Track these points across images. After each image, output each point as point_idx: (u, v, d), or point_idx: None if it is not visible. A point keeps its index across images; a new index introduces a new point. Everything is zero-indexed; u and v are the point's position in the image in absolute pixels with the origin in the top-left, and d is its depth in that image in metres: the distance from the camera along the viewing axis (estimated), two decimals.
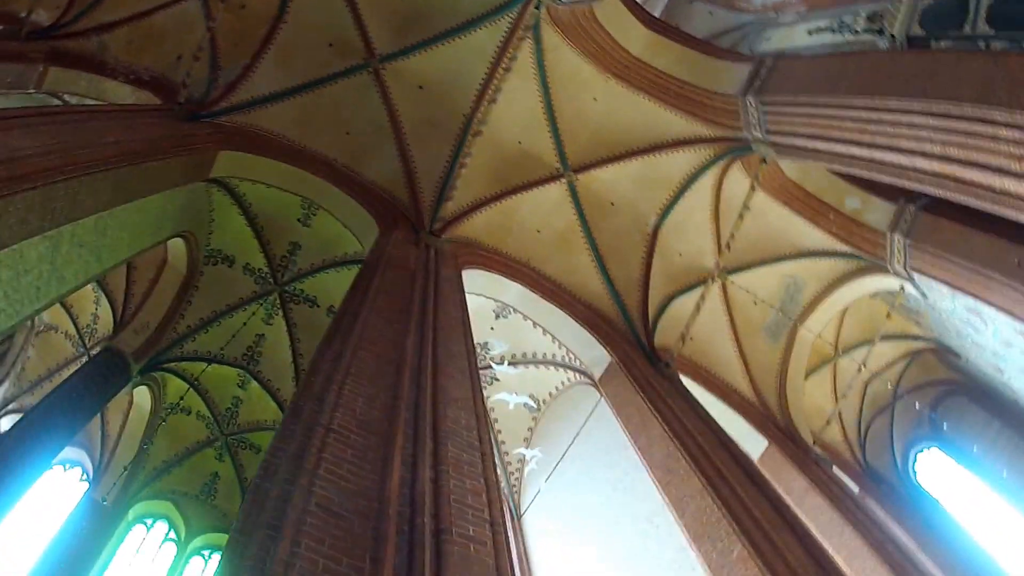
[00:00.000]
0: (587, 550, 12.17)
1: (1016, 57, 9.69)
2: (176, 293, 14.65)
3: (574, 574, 12.22)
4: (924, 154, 9.94)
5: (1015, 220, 9.76)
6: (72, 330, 15.89)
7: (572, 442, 13.24)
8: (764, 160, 13.20)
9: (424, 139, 13.49)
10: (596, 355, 13.32)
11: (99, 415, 16.20)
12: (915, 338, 18.35)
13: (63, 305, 15.71)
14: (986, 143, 9.18)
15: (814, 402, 17.43)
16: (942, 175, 9.94)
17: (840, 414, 18.50)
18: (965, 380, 19.37)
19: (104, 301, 15.22)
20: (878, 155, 10.65)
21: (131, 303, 14.95)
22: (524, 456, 14.07)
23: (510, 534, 13.73)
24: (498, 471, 14.32)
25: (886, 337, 17.83)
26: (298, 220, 14.05)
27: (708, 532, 9.77)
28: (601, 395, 12.93)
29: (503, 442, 14.50)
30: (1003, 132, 8.93)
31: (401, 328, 8.64)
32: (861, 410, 19.37)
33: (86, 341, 15.71)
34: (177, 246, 14.39)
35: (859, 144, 10.85)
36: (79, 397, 13.35)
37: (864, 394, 19.30)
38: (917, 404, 19.08)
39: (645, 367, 13.05)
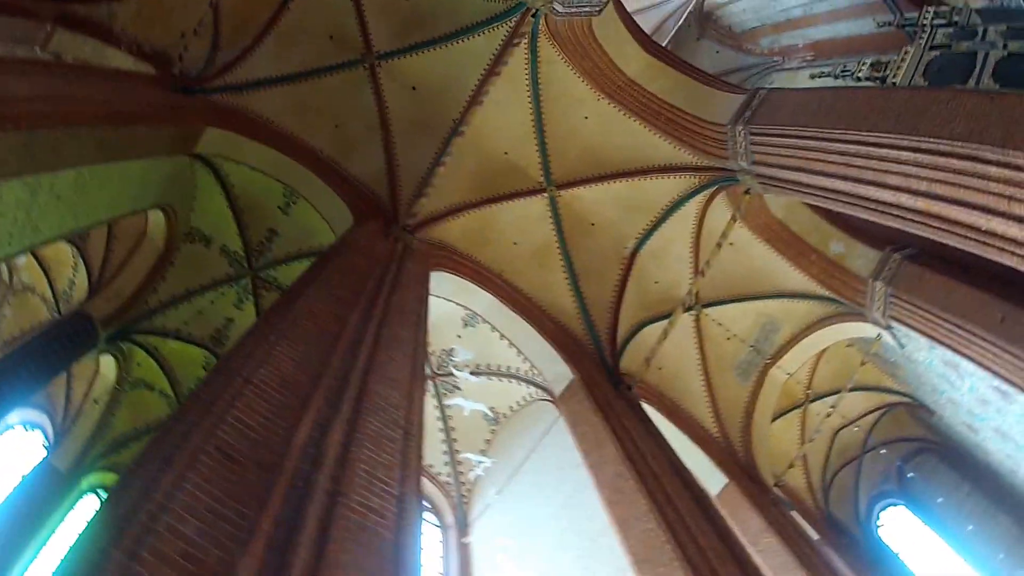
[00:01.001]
0: (531, 567, 11.23)
1: (1012, 97, 8.91)
2: (151, 266, 13.82)
3: None
4: (910, 191, 9.22)
5: (999, 263, 8.97)
6: (49, 294, 15.10)
7: (527, 458, 12.36)
8: (748, 192, 12.39)
9: (411, 139, 12.68)
10: (559, 372, 12.43)
11: (66, 382, 15.41)
12: (889, 391, 17.40)
13: (42, 267, 14.98)
14: (974, 182, 8.43)
15: (780, 445, 16.43)
16: (927, 213, 9.21)
17: (806, 460, 17.50)
18: (938, 439, 18.36)
19: (82, 268, 14.42)
20: (862, 190, 9.90)
21: (107, 271, 14.14)
22: (471, 460, 13.14)
23: (452, 540, 12.97)
24: (446, 479, 13.56)
25: (860, 388, 16.91)
26: (278, 207, 13.21)
27: (651, 556, 8.89)
28: (560, 412, 12.03)
29: (458, 451, 13.59)
30: (993, 171, 8.19)
31: (348, 305, 8.03)
32: (828, 458, 18.35)
33: (60, 306, 14.89)
34: (157, 219, 13.59)
35: (844, 179, 10.10)
36: (43, 356, 12.57)
37: (833, 443, 18.30)
38: (886, 459, 18.04)
39: (607, 388, 12.19)
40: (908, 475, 18.37)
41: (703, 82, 12.62)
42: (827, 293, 14.15)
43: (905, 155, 9.06)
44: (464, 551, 12.49)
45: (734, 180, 12.31)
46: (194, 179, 13.22)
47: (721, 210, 13.41)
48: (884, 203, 9.65)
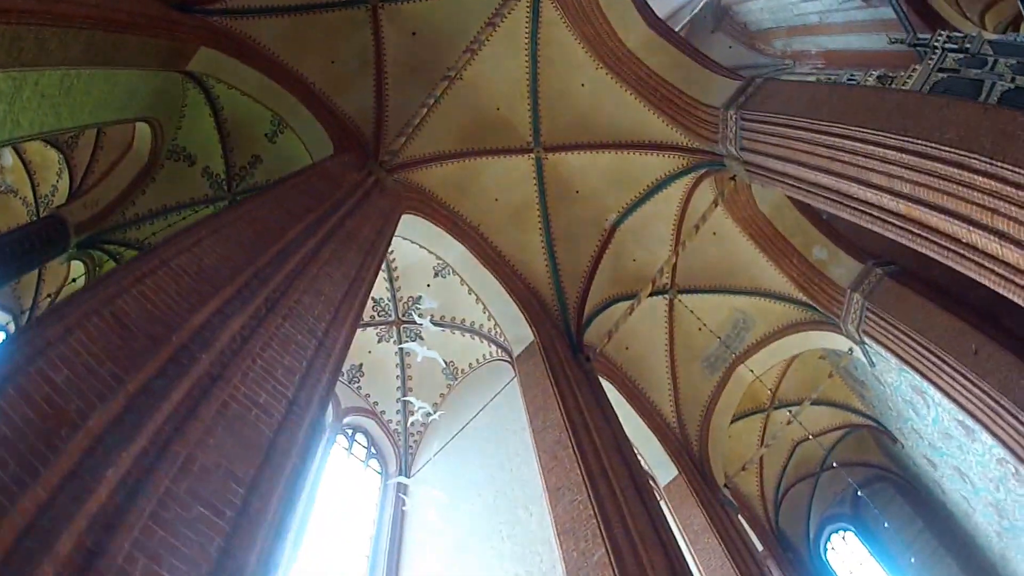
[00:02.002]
0: (458, 524, 10.87)
1: (1006, 112, 8.48)
2: (132, 179, 13.43)
3: (440, 547, 10.89)
4: (893, 192, 8.83)
5: (979, 292, 8.58)
6: (31, 198, 14.78)
7: (475, 417, 11.97)
8: (733, 178, 11.97)
9: (404, 83, 12.20)
10: (521, 333, 12.03)
11: (35, 286, 15.13)
12: (855, 411, 16.99)
13: (28, 172, 14.68)
14: (960, 190, 7.96)
15: (737, 448, 16.02)
16: (908, 218, 8.84)
17: (762, 469, 17.11)
18: (897, 469, 17.96)
19: (66, 175, 14.09)
20: (844, 186, 9.51)
21: (89, 179, 13.81)
22: (414, 405, 12.74)
23: (391, 488, 12.60)
24: (395, 427, 13.15)
25: (825, 403, 16.52)
26: (265, 135, 12.82)
27: (575, 529, 8.52)
28: (515, 374, 11.64)
29: (409, 399, 13.16)
30: (979, 181, 7.80)
31: (294, 218, 7.68)
32: (785, 470, 17.94)
33: (40, 210, 14.57)
34: (143, 133, 13.23)
35: (828, 173, 9.70)
36: (12, 254, 12.30)
37: (792, 455, 17.86)
38: (844, 481, 17.57)
39: (565, 355, 11.79)
40: (863, 502, 17.93)
41: (702, 64, 12.20)
42: (804, 298, 13.74)
43: (892, 154, 8.68)
44: (399, 501, 12.12)
45: (721, 165, 11.91)
46: (184, 97, 12.89)
47: (706, 196, 13.02)
48: (866, 203, 9.27)
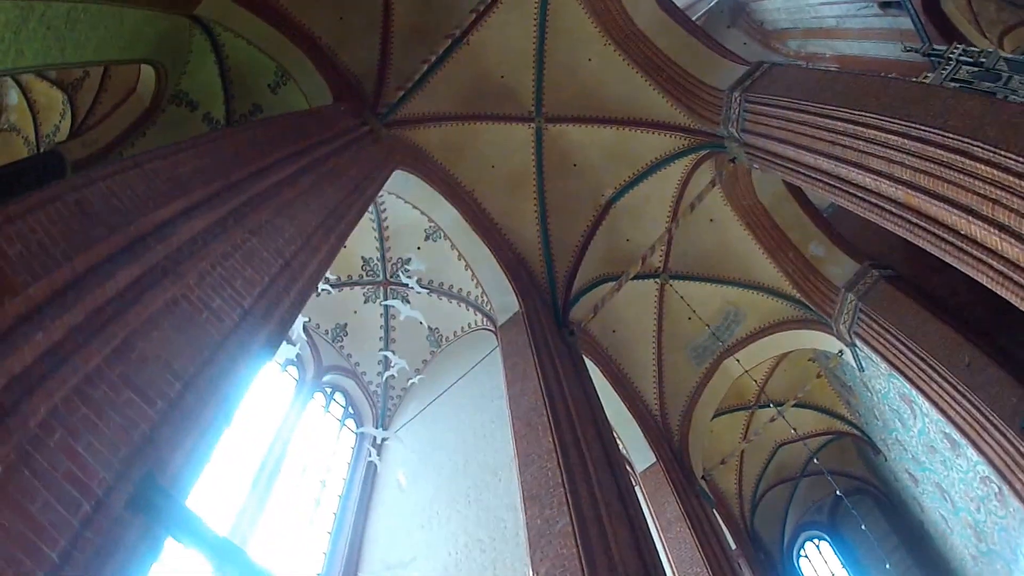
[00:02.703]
0: (428, 488, 10.62)
1: (1014, 105, 8.24)
2: (134, 121, 13.19)
3: (407, 507, 10.64)
4: (892, 178, 8.51)
5: (971, 276, 8.22)
6: (32, 136, 14.60)
7: (454, 383, 11.70)
8: (733, 160, 11.71)
9: (409, 43, 11.87)
10: (507, 302, 11.75)
11: None
12: (840, 418, 16.67)
13: (32, 111, 14.49)
14: (961, 178, 7.60)
15: (718, 443, 15.70)
16: (906, 206, 8.52)
17: (741, 467, 16.79)
18: (878, 482, 17.64)
19: (69, 115, 13.93)
20: (843, 171, 9.24)
21: (91, 120, 13.60)
22: (391, 360, 12.44)
23: (364, 448, 12.32)
24: (375, 389, 12.85)
25: (810, 406, 16.22)
26: (268, 85, 12.50)
27: (542, 496, 8.23)
28: (498, 343, 11.38)
29: (389, 355, 12.93)
30: (982, 169, 7.45)
31: (276, 147, 7.37)
32: (765, 471, 17.61)
33: (41, 148, 14.41)
34: (148, 76, 12.96)
35: (828, 156, 9.43)
36: (10, 184, 12.15)
37: (773, 456, 17.55)
38: (823, 489, 17.25)
39: (549, 326, 11.51)
40: (841, 512, 17.63)
41: (709, 47, 11.97)
42: (797, 295, 13.47)
43: (893, 139, 8.38)
44: (371, 461, 11.87)
45: (721, 147, 11.68)
46: (189, 43, 12.63)
47: (705, 179, 12.69)
48: (864, 189, 8.99)
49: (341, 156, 8.52)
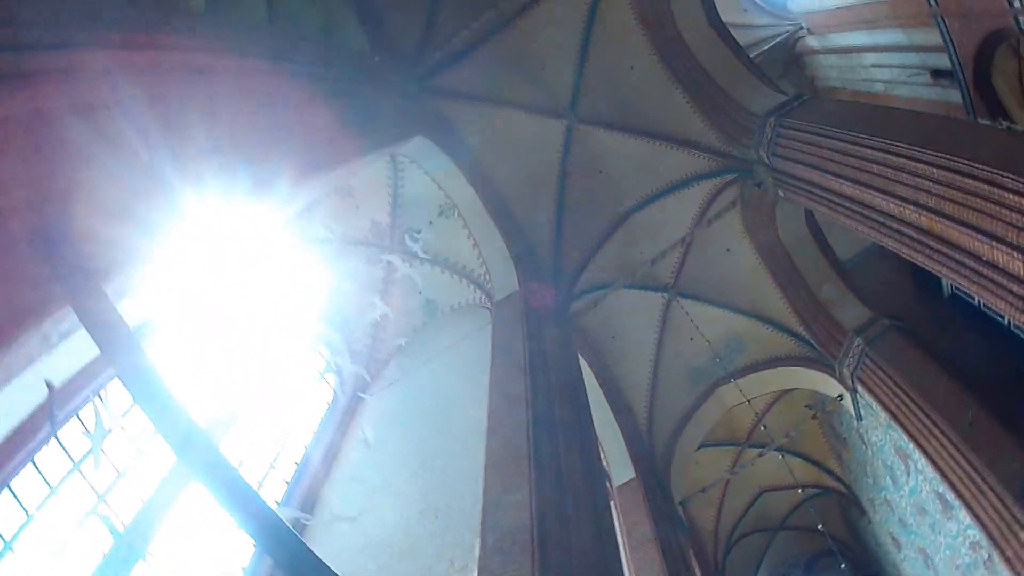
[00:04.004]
0: (395, 452, 10.00)
1: None
2: None
3: (370, 468, 10.03)
4: (917, 204, 8.03)
5: (989, 304, 7.66)
6: None
7: (442, 351, 11.10)
8: (759, 186, 11.19)
9: (456, 15, 10.95)
10: (507, 282, 11.06)
11: None
12: (829, 472, 15.75)
13: None
14: (987, 206, 7.11)
15: (701, 475, 14.75)
16: (928, 232, 7.96)
17: (721, 505, 15.83)
18: (857, 546, 16.57)
19: None
20: (868, 197, 8.74)
21: None
22: (376, 304, 11.76)
23: (339, 408, 11.71)
24: (361, 348, 12.21)
25: (802, 456, 15.32)
26: None
27: (505, 465, 7.53)
28: (491, 317, 10.81)
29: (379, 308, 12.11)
30: (1010, 198, 6.92)
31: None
32: (744, 515, 16.64)
33: None
34: None
35: (854, 182, 8.95)
36: None
37: (755, 502, 16.61)
38: (800, 545, 16.24)
39: (545, 310, 10.84)
40: (817, 571, 16.58)
41: (752, 72, 11.56)
42: (803, 332, 12.78)
43: (922, 168, 7.89)
44: (348, 420, 11.28)
45: (748, 173, 11.18)
46: None
47: (727, 207, 12.20)
48: (887, 215, 8.48)
49: (363, 91, 8.14)
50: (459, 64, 11.28)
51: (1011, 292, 6.99)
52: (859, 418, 12.53)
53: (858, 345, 11.92)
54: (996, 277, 7.13)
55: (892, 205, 8.32)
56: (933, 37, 13.17)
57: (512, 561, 6.32)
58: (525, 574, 6.09)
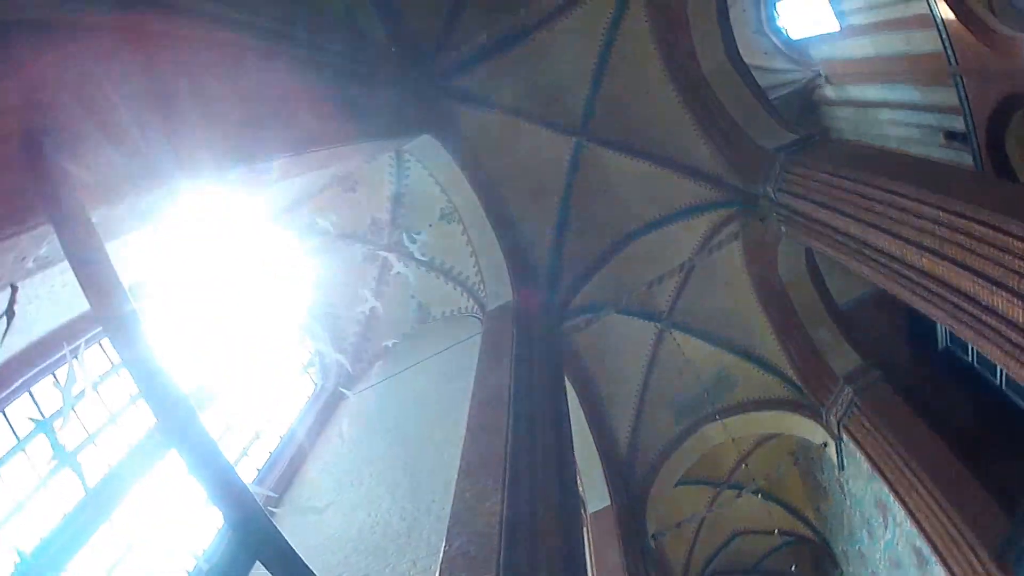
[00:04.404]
0: (369, 450, 9.76)
1: None
2: None
3: (344, 457, 9.80)
4: (920, 246, 7.95)
5: (985, 352, 7.54)
6: None
7: (430, 356, 10.89)
8: (762, 220, 11.12)
9: (478, 19, 10.83)
10: (502, 291, 10.86)
11: None
12: (805, 521, 15.47)
13: None
14: (991, 251, 7.04)
15: (677, 510, 14.45)
16: (929, 274, 7.87)
17: (694, 543, 15.52)
18: None
19: None
20: (871, 236, 8.68)
21: None
22: (366, 296, 11.54)
23: (318, 404, 11.49)
24: (348, 345, 12.01)
25: (779, 502, 15.06)
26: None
27: (480, 471, 7.29)
28: (482, 325, 10.65)
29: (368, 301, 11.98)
30: (1015, 245, 6.84)
31: None
32: (716, 556, 16.33)
33: None
34: None
35: (858, 221, 8.89)
36: None
37: (728, 543, 16.32)
38: None
39: (537, 324, 10.67)
40: None
41: (767, 109, 11.55)
42: (793, 376, 12.60)
43: (928, 210, 7.83)
44: (327, 415, 11.05)
45: (753, 206, 11.11)
46: None
47: (729, 240, 12.10)
48: (888, 255, 8.41)
49: (374, 79, 8.07)
50: (474, 69, 11.21)
51: (1008, 340, 6.87)
52: (841, 467, 12.35)
53: (847, 393, 11.78)
54: (994, 323, 7.02)
55: (894, 246, 8.24)
56: (949, 98, 13.23)
57: (476, 565, 6.12)
58: None
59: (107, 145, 3.68)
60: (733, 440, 12.70)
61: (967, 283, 7.30)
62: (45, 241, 3.49)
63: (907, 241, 8.06)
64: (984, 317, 7.17)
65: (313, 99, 6.49)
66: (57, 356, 6.57)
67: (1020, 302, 6.71)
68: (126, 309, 3.28)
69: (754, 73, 12.48)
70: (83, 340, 6.63)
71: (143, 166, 3.95)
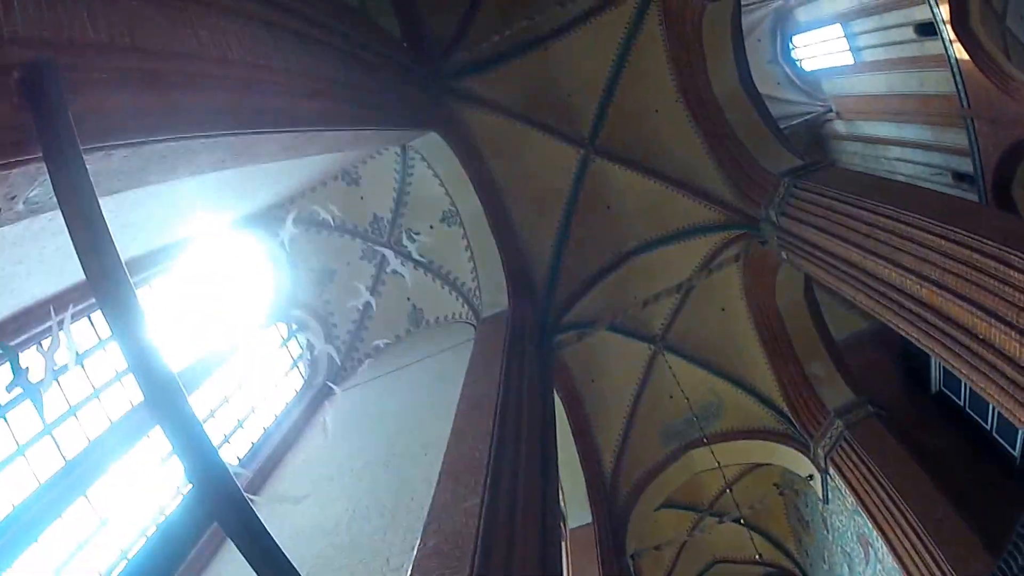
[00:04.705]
0: (353, 446, 9.65)
1: None
2: None
3: (327, 450, 9.69)
4: (920, 275, 7.80)
5: (977, 386, 7.40)
6: None
7: (421, 360, 10.80)
8: (763, 244, 11.08)
9: (492, 22, 10.86)
10: (497, 300, 10.87)
11: None
12: (786, 553, 15.30)
13: None
14: (990, 282, 6.94)
15: (657, 532, 14.27)
16: (927, 305, 7.73)
17: (673, 568, 15.31)
18: None
19: None
20: (871, 264, 8.57)
21: None
22: (360, 289, 11.40)
23: (306, 399, 11.34)
24: (340, 343, 11.87)
25: (762, 533, 14.90)
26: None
27: (462, 472, 7.23)
28: (475, 332, 10.56)
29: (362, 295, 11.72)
30: (1015, 276, 6.68)
31: None
32: None
33: None
34: None
35: (859, 248, 8.78)
36: None
37: (706, 570, 16.13)
38: None
39: (531, 334, 10.55)
40: None
41: (775, 134, 11.56)
42: (784, 407, 12.50)
43: (931, 239, 7.72)
44: (313, 409, 10.91)
45: (756, 230, 11.07)
46: None
47: (730, 264, 12.10)
48: (888, 284, 8.28)
49: (384, 71, 8.03)
50: (486, 72, 11.25)
51: (1003, 374, 6.73)
52: (826, 501, 12.21)
53: (837, 427, 11.66)
54: (990, 357, 6.88)
55: (895, 274, 8.12)
56: (960, 139, 13.26)
57: (449, 565, 6.00)
58: None
59: (112, 91, 3.62)
60: (721, 467, 12.51)
61: (965, 315, 7.17)
62: (37, 183, 3.42)
63: (907, 270, 7.95)
64: (980, 350, 7.03)
65: (310, 75, 6.39)
66: (43, 327, 6.43)
67: (1017, 335, 6.60)
68: (115, 262, 3.18)
69: (765, 102, 12.52)
70: (70, 311, 6.52)
71: (143, 119, 3.90)
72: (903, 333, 8.37)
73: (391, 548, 7.58)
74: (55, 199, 3.24)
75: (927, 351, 8.17)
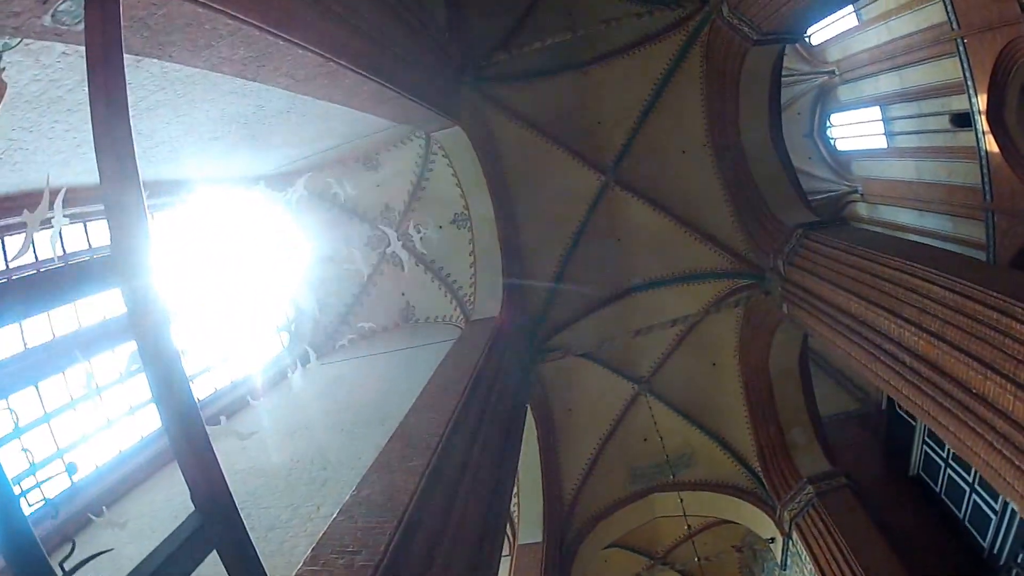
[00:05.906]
0: (319, 404, 9.58)
1: None
2: None
3: (289, 405, 9.62)
4: (920, 327, 7.54)
5: (966, 442, 7.11)
6: None
7: (403, 348, 10.73)
8: (767, 294, 11.01)
9: (536, 32, 10.93)
10: (490, 306, 10.82)
11: None
12: None
13: None
14: (991, 334, 6.72)
15: (606, 569, 13.89)
16: (922, 358, 7.52)
17: None
18: None
19: None
20: (871, 315, 8.36)
21: None
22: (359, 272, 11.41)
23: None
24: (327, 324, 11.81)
25: None
26: None
27: (413, 437, 7.08)
28: (462, 331, 10.44)
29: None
30: (1016, 328, 6.41)
31: None
32: None
33: None
34: None
35: (861, 299, 8.57)
36: None
37: None
38: None
39: (517, 344, 10.45)
40: None
41: (796, 191, 11.47)
42: (756, 467, 12.19)
43: (936, 291, 7.48)
44: (286, 373, 10.82)
45: (761, 279, 11.01)
46: None
47: (729, 314, 12.05)
48: (885, 336, 8.11)
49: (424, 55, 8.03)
50: (521, 82, 11.27)
51: (993, 428, 6.41)
52: (783, 566, 11.77)
53: (808, 493, 11.28)
54: (981, 411, 6.59)
55: (893, 326, 7.88)
56: (977, 231, 13.12)
57: (380, 513, 5.89)
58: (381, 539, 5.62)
59: None
60: (686, 515, 12.21)
61: (961, 368, 6.89)
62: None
63: (907, 321, 7.64)
64: (972, 404, 6.68)
65: (348, 4, 6.42)
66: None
67: (1013, 388, 6.19)
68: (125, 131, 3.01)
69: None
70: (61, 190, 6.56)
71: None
72: (893, 391, 8.09)
73: (326, 499, 7.36)
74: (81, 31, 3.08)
75: (915, 410, 7.87)
